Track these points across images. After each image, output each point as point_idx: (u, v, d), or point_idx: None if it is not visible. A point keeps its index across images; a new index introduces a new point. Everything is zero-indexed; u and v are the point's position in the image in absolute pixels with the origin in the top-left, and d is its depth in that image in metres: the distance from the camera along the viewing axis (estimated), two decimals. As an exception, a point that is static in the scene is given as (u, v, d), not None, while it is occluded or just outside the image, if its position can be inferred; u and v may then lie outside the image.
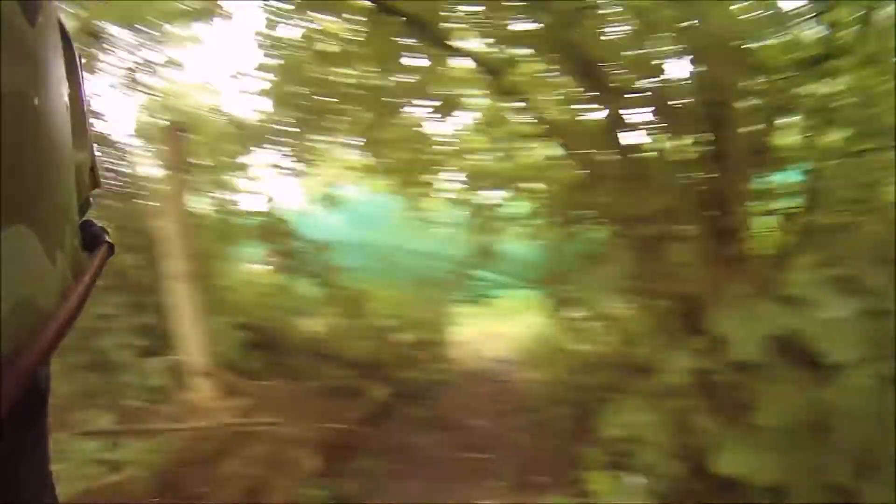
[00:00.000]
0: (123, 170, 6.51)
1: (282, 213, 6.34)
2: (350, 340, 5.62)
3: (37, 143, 0.48)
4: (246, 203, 6.61)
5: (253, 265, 7.58)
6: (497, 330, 9.76)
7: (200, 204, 6.41)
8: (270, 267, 6.40)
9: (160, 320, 5.03)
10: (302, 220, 6.64)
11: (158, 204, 4.97)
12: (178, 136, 4.70)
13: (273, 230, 5.98)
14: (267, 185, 6.84)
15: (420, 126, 6.25)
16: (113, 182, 6.35)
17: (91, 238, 0.64)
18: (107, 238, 0.66)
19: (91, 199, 0.70)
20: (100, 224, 0.67)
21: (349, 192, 8.12)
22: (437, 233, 8.47)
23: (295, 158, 6.85)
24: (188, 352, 4.55)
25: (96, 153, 0.71)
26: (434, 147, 6.38)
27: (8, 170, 0.42)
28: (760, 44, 3.42)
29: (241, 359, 4.86)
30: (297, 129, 6.09)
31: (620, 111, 3.58)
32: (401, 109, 5.83)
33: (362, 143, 6.43)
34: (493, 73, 4.08)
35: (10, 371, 0.40)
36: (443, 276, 12.49)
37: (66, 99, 0.59)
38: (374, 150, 6.46)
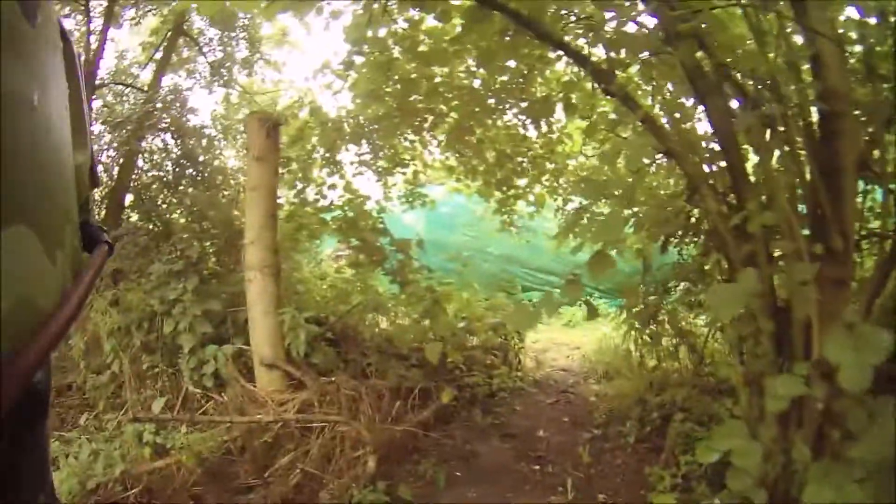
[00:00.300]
0: (205, 159, 6.64)
1: (364, 209, 6.28)
2: (422, 341, 5.50)
3: (37, 144, 0.50)
4: (329, 197, 6.59)
5: (331, 259, 7.59)
6: (572, 339, 9.55)
7: (284, 196, 6.39)
8: (348, 262, 6.27)
9: (229, 308, 5.03)
10: (384, 217, 6.60)
11: (243, 195, 4.94)
12: (269, 129, 4.64)
13: (354, 226, 5.92)
14: (352, 180, 6.84)
15: (515, 128, 6.15)
16: (195, 171, 6.47)
17: (91, 238, 0.68)
18: (106, 238, 0.70)
19: (90, 198, 0.75)
20: (98, 224, 0.72)
21: (434, 191, 8.06)
22: (520, 237, 8.22)
23: (381, 156, 6.82)
24: (255, 342, 4.51)
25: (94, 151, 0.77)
26: (528, 150, 6.25)
27: (8, 170, 0.43)
28: (872, 49, 3.17)
29: (309, 353, 4.73)
30: (385, 127, 6.05)
31: (728, 119, 3.33)
32: (496, 110, 5.73)
33: (452, 143, 6.34)
34: (601, 75, 3.87)
35: (11, 370, 0.42)
36: (522, 280, 12.38)
37: (66, 99, 0.62)
38: (463, 151, 6.36)
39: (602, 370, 7.14)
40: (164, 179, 6.43)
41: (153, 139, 6.66)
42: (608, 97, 4.24)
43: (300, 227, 5.85)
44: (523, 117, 5.98)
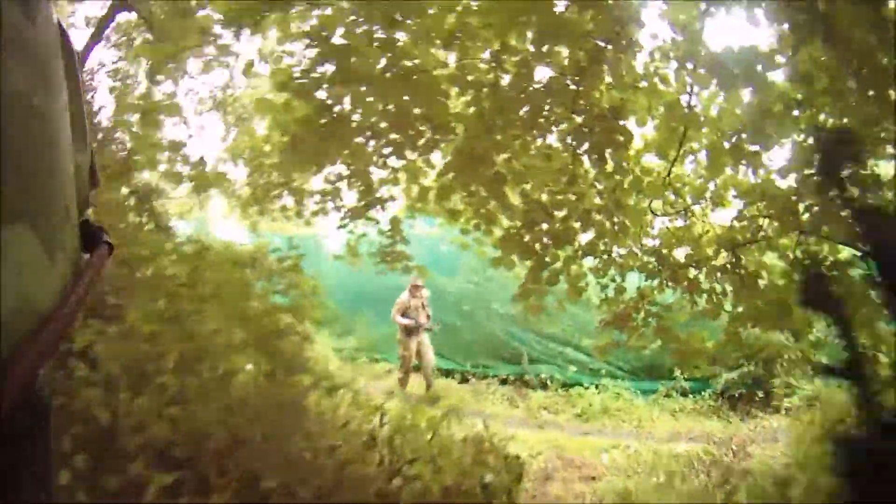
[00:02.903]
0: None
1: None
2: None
3: (37, 143, 0.51)
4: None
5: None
6: (586, 449, 7.01)
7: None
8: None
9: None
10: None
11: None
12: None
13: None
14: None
15: (559, 157, 3.78)
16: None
17: (91, 238, 0.70)
18: (106, 238, 0.72)
19: (90, 198, 0.77)
20: (98, 224, 0.74)
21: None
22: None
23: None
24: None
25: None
26: (578, 197, 3.84)
27: (8, 170, 0.43)
28: None
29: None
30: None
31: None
32: (530, 125, 3.55)
33: (456, 174, 3.88)
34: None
35: (12, 371, 0.42)
36: (529, 349, 9.81)
37: (67, 99, 0.61)
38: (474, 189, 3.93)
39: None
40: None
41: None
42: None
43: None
44: (575, 142, 3.65)
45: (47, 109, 0.52)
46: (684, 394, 9.09)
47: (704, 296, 3.96)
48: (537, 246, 3.85)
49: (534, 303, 4.14)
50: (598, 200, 3.77)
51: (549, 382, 9.60)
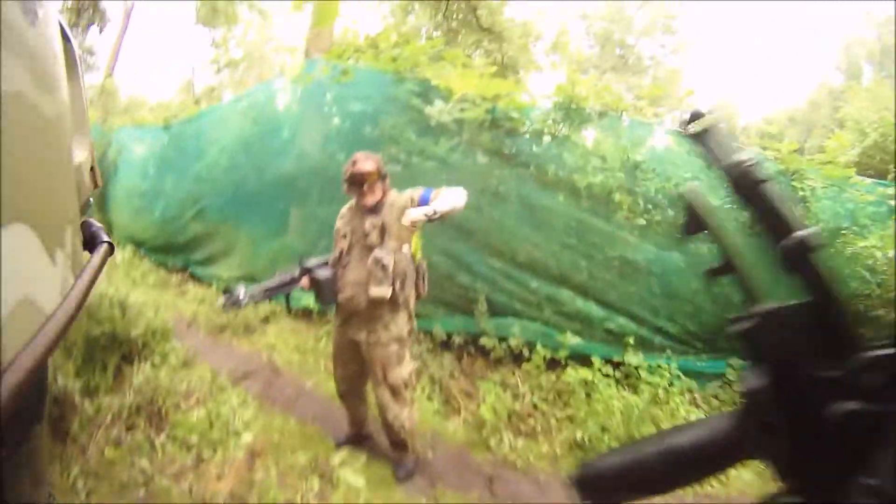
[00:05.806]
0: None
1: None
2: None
3: (37, 143, 0.50)
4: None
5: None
6: None
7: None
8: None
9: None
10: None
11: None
12: None
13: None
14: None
15: None
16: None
17: (91, 237, 0.72)
18: (106, 237, 0.73)
19: (90, 198, 0.79)
20: (99, 224, 0.74)
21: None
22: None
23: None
24: None
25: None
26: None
27: (8, 169, 0.43)
28: None
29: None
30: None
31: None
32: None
33: None
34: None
35: (12, 370, 0.42)
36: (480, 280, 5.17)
37: (67, 99, 0.63)
38: None
39: None
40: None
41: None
42: None
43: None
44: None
45: (47, 109, 0.50)
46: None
47: None
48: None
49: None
50: None
51: (524, 353, 4.79)
